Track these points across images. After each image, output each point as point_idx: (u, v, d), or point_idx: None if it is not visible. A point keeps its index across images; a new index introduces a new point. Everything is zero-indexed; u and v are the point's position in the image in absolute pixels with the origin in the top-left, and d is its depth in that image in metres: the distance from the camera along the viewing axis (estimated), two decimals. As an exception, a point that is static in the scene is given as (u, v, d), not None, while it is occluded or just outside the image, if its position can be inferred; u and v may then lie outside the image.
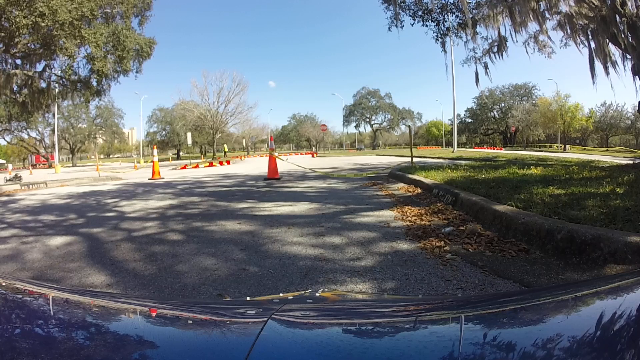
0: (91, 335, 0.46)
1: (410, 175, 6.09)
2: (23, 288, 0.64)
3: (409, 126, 11.14)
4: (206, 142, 51.97)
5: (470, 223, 2.88)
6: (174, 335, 0.47)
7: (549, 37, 8.88)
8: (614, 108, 48.79)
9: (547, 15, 8.13)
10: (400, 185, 5.95)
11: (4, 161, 45.98)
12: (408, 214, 3.50)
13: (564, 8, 7.81)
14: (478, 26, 9.35)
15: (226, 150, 40.90)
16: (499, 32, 9.02)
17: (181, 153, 59.09)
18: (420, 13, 9.92)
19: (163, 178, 10.26)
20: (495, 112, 58.06)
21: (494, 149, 41.16)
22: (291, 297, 0.76)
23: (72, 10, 9.13)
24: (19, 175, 12.62)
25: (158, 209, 4.60)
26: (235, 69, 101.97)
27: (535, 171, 5.21)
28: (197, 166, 17.40)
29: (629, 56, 7.02)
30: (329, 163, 16.08)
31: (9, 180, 10.92)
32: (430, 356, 0.37)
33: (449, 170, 6.18)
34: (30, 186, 8.98)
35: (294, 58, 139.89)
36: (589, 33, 7.57)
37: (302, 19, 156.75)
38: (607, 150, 38.01)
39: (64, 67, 11.21)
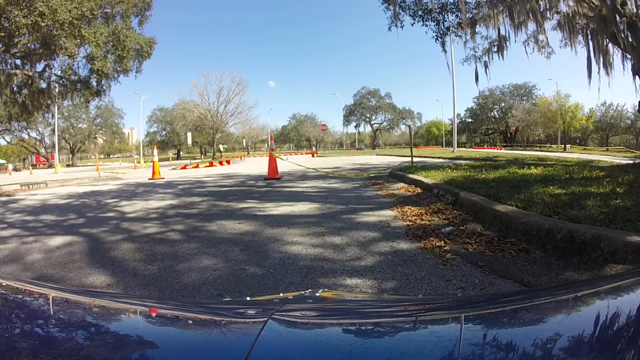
0: (91, 335, 0.46)
1: (411, 175, 6.10)
2: (23, 288, 0.64)
3: (409, 126, 11.14)
4: (206, 142, 51.98)
5: (470, 223, 2.88)
6: (174, 335, 0.47)
7: (547, 38, 8.89)
8: (614, 108, 48.80)
9: (547, 15, 8.13)
10: (401, 185, 5.95)
11: (4, 161, 45.99)
12: (408, 213, 3.50)
13: (563, 8, 7.82)
14: (478, 26, 9.35)
15: (222, 150, 40.61)
16: (498, 32, 9.03)
17: (181, 153, 59.12)
18: (420, 13, 9.92)
19: (163, 178, 10.26)
20: (495, 112, 58.01)
21: (494, 148, 41.20)
22: (291, 297, 0.76)
23: (72, 9, 9.13)
24: None
25: (158, 209, 4.60)
26: (235, 68, 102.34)
27: (535, 171, 5.21)
28: (197, 166, 17.40)
29: (628, 56, 7.02)
30: (329, 163, 16.08)
31: None
32: (430, 356, 0.37)
33: (449, 170, 6.18)
34: (31, 186, 8.98)
35: (294, 58, 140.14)
36: (589, 33, 7.57)
37: (302, 19, 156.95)
38: (607, 150, 38.01)
39: (64, 67, 11.23)
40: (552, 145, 42.46)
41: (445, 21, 9.93)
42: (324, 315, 0.58)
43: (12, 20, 8.73)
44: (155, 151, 11.08)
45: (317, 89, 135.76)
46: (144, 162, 28.59)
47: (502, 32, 9.02)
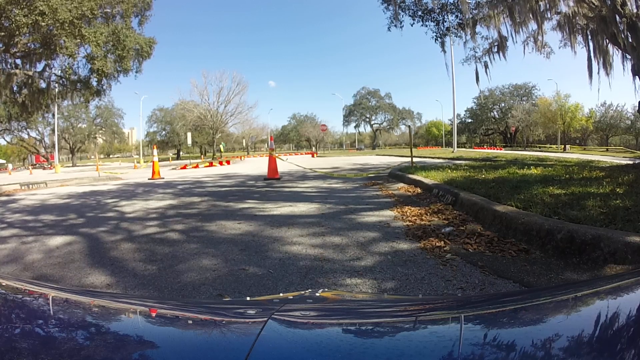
0: (91, 335, 0.46)
1: (410, 175, 6.09)
2: (23, 288, 0.64)
3: (409, 126, 11.15)
4: (206, 142, 51.99)
5: (470, 223, 2.88)
6: (174, 335, 0.47)
7: (543, 36, 8.88)
8: (614, 108, 48.80)
9: (547, 15, 8.14)
10: (400, 185, 5.95)
11: (4, 161, 45.97)
12: (408, 214, 3.50)
13: (563, 8, 7.82)
14: (478, 26, 9.36)
15: (222, 149, 40.55)
16: (499, 32, 9.03)
17: (181, 153, 59.12)
18: (420, 13, 9.93)
19: (163, 178, 10.26)
20: (495, 112, 58.01)
21: (493, 149, 41.16)
22: (291, 297, 0.76)
23: (72, 9, 9.12)
24: None
25: (158, 209, 4.60)
26: (235, 68, 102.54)
27: (535, 171, 5.21)
28: (197, 166, 17.39)
29: (628, 56, 7.02)
30: (329, 163, 16.08)
31: None
32: (430, 356, 0.37)
33: (449, 170, 6.18)
34: (30, 186, 8.98)
35: (294, 58, 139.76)
36: (589, 33, 7.58)
37: (302, 19, 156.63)
38: (607, 150, 38.00)
39: (64, 67, 11.20)
40: (552, 146, 42.43)
41: (445, 21, 9.95)
42: (324, 315, 0.58)
43: (13, 20, 8.71)
44: (155, 151, 11.08)
45: (317, 89, 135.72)
46: (144, 162, 28.58)
47: (503, 33, 9.04)
